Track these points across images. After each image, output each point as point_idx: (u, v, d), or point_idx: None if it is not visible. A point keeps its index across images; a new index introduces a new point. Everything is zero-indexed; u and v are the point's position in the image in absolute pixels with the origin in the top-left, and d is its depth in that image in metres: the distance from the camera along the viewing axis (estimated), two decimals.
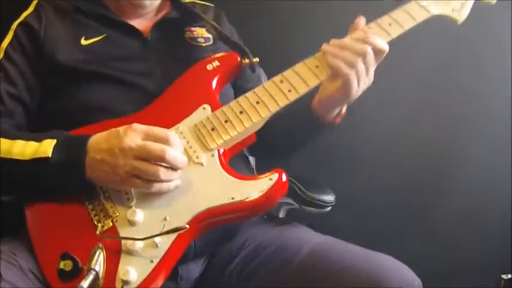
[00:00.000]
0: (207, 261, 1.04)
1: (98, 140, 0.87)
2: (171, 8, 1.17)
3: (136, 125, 0.86)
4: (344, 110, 1.03)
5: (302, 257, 0.94)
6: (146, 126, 0.86)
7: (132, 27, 1.09)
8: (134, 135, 0.84)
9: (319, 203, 1.25)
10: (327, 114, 1.01)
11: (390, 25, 0.97)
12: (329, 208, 1.27)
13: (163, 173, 0.84)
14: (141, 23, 1.12)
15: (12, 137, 0.92)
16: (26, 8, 1.10)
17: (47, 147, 0.88)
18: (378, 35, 0.95)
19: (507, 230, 1.72)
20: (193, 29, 1.16)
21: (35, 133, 0.93)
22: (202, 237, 0.91)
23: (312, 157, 1.46)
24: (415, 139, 1.69)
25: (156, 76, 1.04)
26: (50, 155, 0.86)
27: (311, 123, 1.03)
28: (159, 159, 0.83)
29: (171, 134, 0.86)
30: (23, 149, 0.89)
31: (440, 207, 1.72)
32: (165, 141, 0.84)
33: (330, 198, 1.27)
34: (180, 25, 1.15)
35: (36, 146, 0.88)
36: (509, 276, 1.68)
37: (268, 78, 0.99)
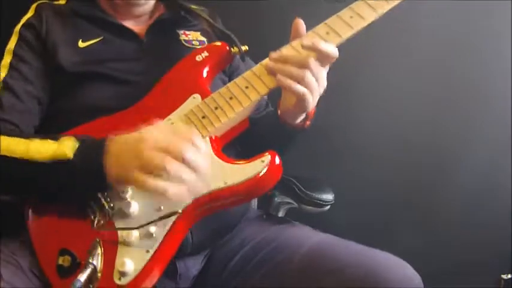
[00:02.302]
0: (206, 260, 1.04)
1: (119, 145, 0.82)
2: (165, 11, 1.19)
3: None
4: (312, 113, 1.01)
5: (302, 255, 0.94)
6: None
7: (128, 29, 1.11)
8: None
9: (318, 202, 1.26)
10: (293, 121, 1.01)
11: (352, 17, 0.92)
12: (328, 207, 1.27)
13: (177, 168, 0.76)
14: (136, 26, 1.13)
15: (26, 135, 0.89)
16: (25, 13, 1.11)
17: (66, 148, 0.84)
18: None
19: (507, 230, 1.71)
20: (188, 32, 1.17)
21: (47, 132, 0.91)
22: (199, 231, 0.91)
23: (311, 156, 1.46)
24: (414, 138, 1.69)
25: (153, 75, 1.03)
26: (71, 156, 0.83)
27: (281, 131, 1.03)
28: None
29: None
30: (41, 148, 0.86)
31: (440, 207, 1.72)
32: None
33: (329, 197, 1.27)
34: (174, 26, 1.16)
35: (55, 145, 0.85)
36: (509, 276, 1.67)
37: None
